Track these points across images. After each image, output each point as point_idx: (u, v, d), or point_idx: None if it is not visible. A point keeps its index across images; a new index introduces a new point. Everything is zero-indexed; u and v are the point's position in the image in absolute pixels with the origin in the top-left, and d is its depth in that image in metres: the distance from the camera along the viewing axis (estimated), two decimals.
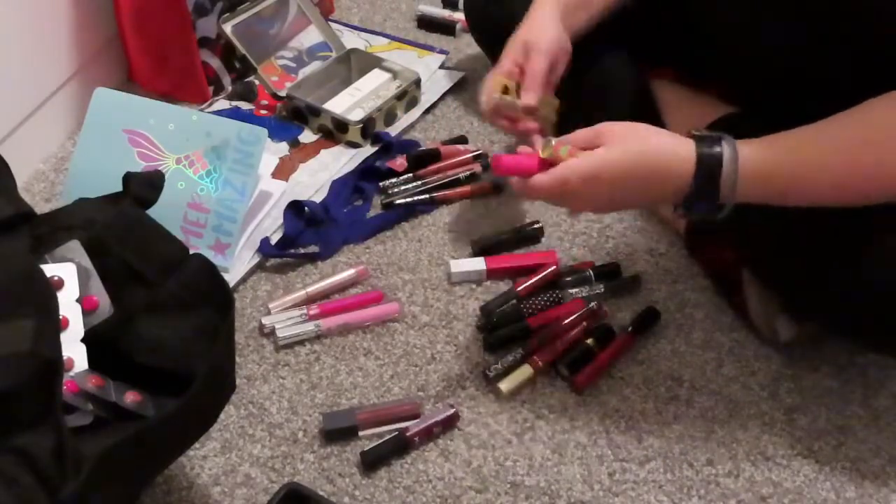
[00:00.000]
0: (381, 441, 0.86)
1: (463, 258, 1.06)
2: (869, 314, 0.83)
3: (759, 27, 0.92)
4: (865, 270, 0.81)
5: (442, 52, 1.43)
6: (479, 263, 1.04)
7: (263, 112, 1.32)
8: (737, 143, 0.79)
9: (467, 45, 1.43)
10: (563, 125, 1.14)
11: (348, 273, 1.03)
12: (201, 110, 1.28)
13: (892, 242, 0.80)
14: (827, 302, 0.86)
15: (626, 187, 0.81)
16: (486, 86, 1.04)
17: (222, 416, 0.84)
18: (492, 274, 1.04)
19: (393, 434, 0.87)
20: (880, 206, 0.78)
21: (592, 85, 1.17)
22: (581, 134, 0.83)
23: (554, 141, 0.82)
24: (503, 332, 0.97)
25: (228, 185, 1.05)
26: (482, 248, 1.08)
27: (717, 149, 0.78)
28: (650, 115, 1.12)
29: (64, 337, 0.72)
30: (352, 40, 1.45)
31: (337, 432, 0.87)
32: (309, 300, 1.01)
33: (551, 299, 1.00)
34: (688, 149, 0.79)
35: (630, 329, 0.97)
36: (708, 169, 0.78)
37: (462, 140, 1.26)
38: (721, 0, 0.96)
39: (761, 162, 0.78)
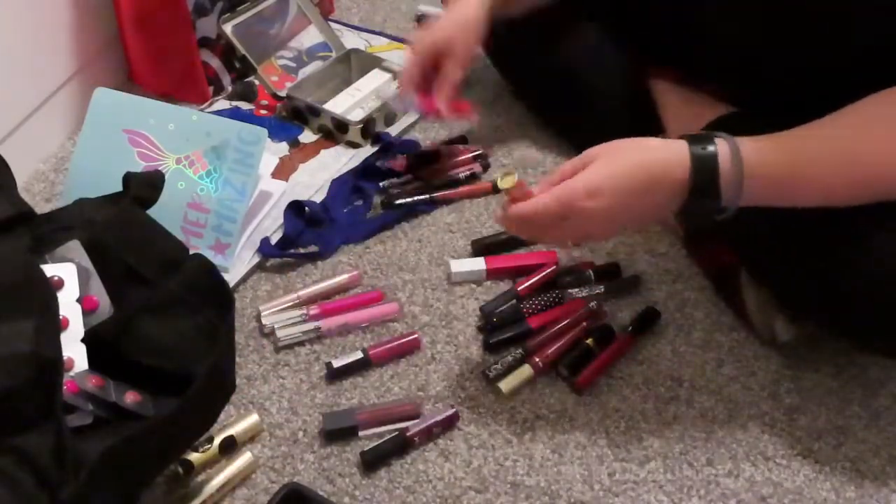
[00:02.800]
0: (381, 441, 0.86)
1: (463, 258, 1.06)
2: (865, 313, 0.83)
3: (752, 34, 0.92)
4: (861, 269, 0.81)
5: None
6: (479, 263, 1.04)
7: (263, 112, 1.32)
8: (738, 140, 0.78)
9: None
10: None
11: (341, 278, 1.03)
12: (201, 110, 1.28)
13: (887, 240, 0.80)
14: (824, 301, 0.85)
15: (630, 199, 0.79)
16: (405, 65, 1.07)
17: (222, 415, 0.84)
18: (492, 274, 1.04)
19: (393, 434, 0.87)
20: (876, 205, 0.79)
21: (590, 85, 1.18)
22: (567, 165, 0.82)
23: (517, 176, 0.82)
24: (503, 332, 0.97)
25: (228, 185, 1.05)
26: (482, 248, 1.08)
27: (711, 147, 0.78)
28: (648, 115, 1.12)
29: (64, 337, 0.72)
30: (352, 40, 1.45)
31: (337, 432, 0.87)
32: (301, 303, 1.00)
33: (551, 299, 1.00)
34: (682, 150, 0.78)
35: (630, 329, 0.97)
36: (704, 167, 0.77)
37: (462, 140, 1.26)
38: (711, 11, 0.97)
39: (768, 156, 0.77)
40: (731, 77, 1.02)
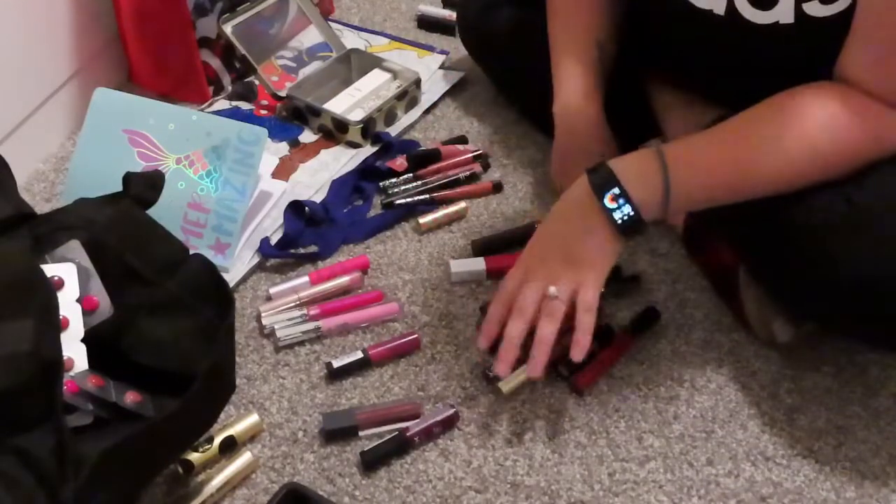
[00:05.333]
0: (381, 441, 0.86)
1: (463, 258, 1.06)
2: (862, 308, 0.83)
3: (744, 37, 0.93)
4: (857, 263, 0.81)
5: (442, 52, 1.43)
6: (478, 263, 1.04)
7: (263, 112, 1.32)
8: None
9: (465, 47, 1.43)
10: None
11: (342, 280, 1.03)
12: (201, 110, 1.28)
13: (881, 237, 0.80)
14: (821, 296, 0.85)
15: (555, 233, 0.88)
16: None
17: (222, 415, 0.84)
18: (492, 273, 1.04)
19: (393, 434, 0.87)
20: (872, 201, 0.80)
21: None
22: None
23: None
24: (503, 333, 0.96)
25: (228, 185, 1.05)
26: (482, 248, 1.08)
27: (603, 168, 0.85)
28: (647, 116, 1.12)
29: (64, 337, 0.72)
30: (352, 40, 1.45)
31: (337, 432, 0.87)
32: (301, 304, 1.00)
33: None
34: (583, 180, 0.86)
35: (630, 329, 0.97)
36: (601, 173, 0.84)
37: (462, 140, 1.26)
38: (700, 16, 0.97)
39: (685, 145, 0.86)
40: (723, 80, 1.02)
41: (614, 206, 0.83)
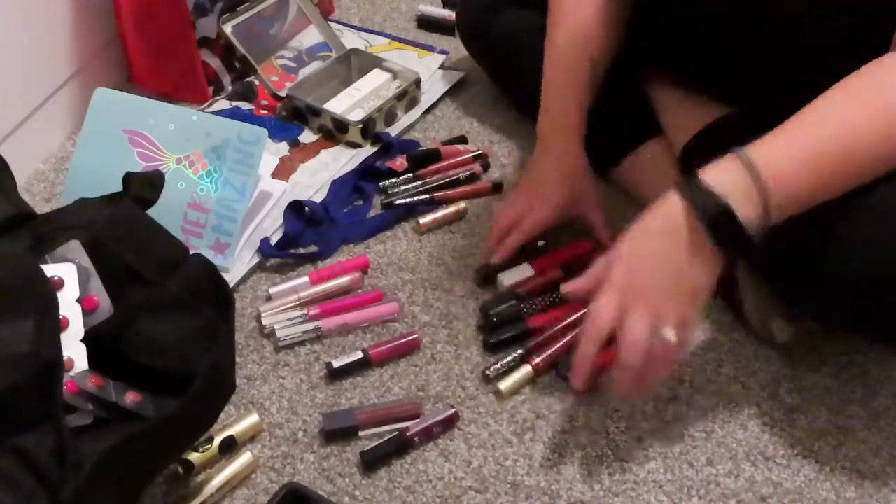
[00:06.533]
0: (381, 441, 0.86)
1: (510, 269, 1.03)
2: (860, 300, 0.83)
3: (744, 34, 0.93)
4: (852, 257, 0.80)
5: (442, 52, 1.43)
6: (526, 270, 1.03)
7: (263, 112, 1.32)
8: (749, 155, 0.74)
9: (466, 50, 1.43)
10: None
11: (342, 280, 1.03)
12: (201, 110, 1.28)
13: (878, 228, 0.80)
14: (818, 292, 0.85)
15: (653, 255, 0.76)
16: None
17: (222, 415, 0.84)
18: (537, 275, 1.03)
19: (393, 434, 0.87)
20: (877, 195, 0.79)
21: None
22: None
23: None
24: (503, 332, 0.97)
25: (228, 185, 1.05)
26: (485, 277, 1.04)
27: (698, 183, 0.74)
28: (647, 116, 1.12)
29: (64, 337, 0.72)
30: (352, 40, 1.45)
31: (337, 432, 0.87)
32: (301, 304, 1.00)
33: (551, 300, 0.99)
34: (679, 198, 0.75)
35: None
36: (700, 192, 0.74)
37: (462, 140, 1.26)
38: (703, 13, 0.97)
39: (776, 156, 0.75)
40: (726, 77, 1.02)
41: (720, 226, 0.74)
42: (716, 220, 0.73)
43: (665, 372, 0.78)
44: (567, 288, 0.81)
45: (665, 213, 0.76)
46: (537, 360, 0.93)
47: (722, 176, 0.74)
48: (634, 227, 0.77)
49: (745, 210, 0.73)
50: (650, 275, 0.75)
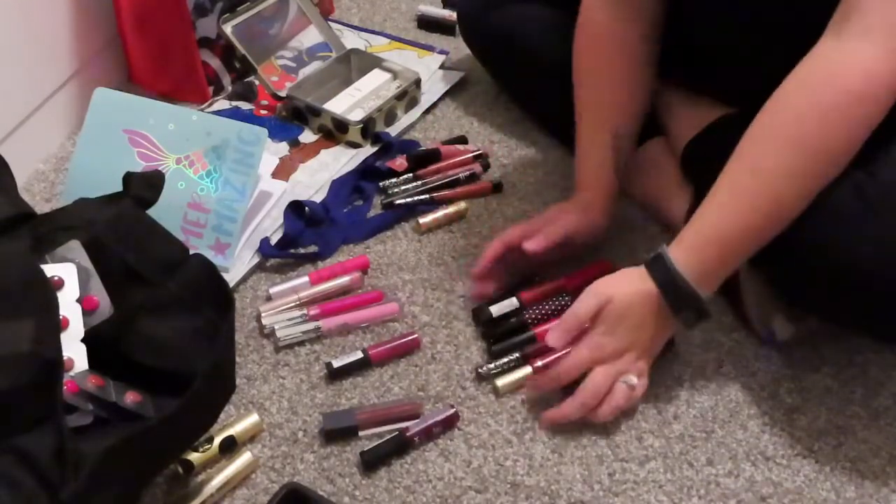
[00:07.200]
0: (381, 441, 0.86)
1: (498, 302, 1.00)
2: (866, 298, 0.83)
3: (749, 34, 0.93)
4: (862, 253, 0.81)
5: (442, 52, 1.43)
6: (513, 303, 0.99)
7: (263, 112, 1.32)
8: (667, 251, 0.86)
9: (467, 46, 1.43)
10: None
11: (343, 280, 1.03)
12: (201, 110, 1.28)
13: (878, 224, 0.80)
14: (818, 287, 0.85)
15: (626, 319, 0.87)
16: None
17: (222, 415, 0.84)
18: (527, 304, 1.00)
19: (393, 434, 0.87)
20: (881, 190, 0.80)
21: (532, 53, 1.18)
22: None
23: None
24: (507, 341, 0.96)
25: (228, 185, 1.05)
26: (484, 320, 1.00)
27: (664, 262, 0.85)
28: (648, 116, 1.12)
29: (64, 337, 0.72)
30: (352, 40, 1.45)
31: (337, 432, 0.87)
32: (301, 304, 1.00)
33: (555, 307, 0.98)
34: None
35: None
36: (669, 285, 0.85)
37: (462, 140, 1.26)
38: (715, 23, 0.98)
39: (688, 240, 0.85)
40: (729, 84, 1.02)
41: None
42: (676, 296, 0.85)
43: (610, 413, 0.87)
44: (551, 342, 0.89)
45: (639, 287, 0.86)
46: (539, 363, 0.93)
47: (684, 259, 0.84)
48: (616, 289, 0.87)
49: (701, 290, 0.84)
50: (624, 339, 0.87)
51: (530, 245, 0.97)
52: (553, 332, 0.88)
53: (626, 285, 0.87)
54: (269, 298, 1.02)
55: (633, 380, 0.87)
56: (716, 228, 0.84)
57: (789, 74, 0.82)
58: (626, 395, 0.87)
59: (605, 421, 0.88)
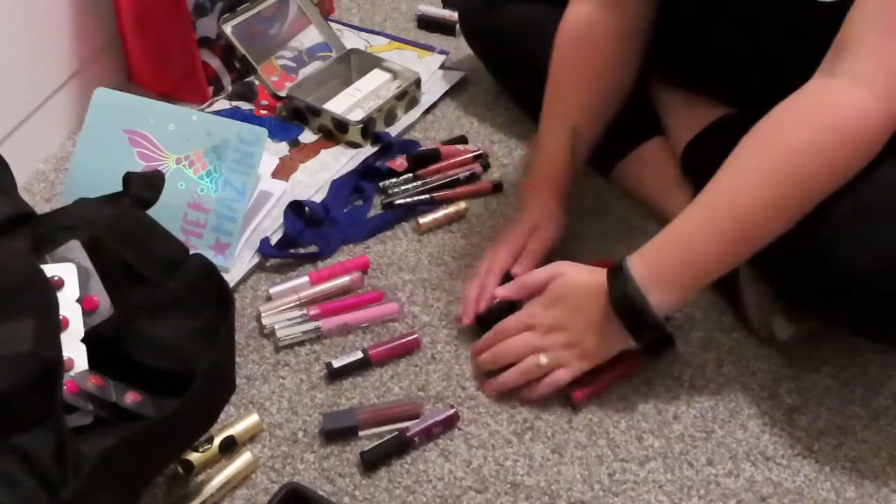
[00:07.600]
0: (381, 441, 0.86)
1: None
2: (865, 302, 0.83)
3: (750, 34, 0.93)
4: (862, 256, 0.81)
5: (442, 52, 1.43)
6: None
7: (263, 112, 1.32)
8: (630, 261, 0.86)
9: (467, 46, 1.43)
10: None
11: (343, 280, 1.03)
12: (201, 110, 1.28)
13: (879, 227, 0.80)
14: (819, 289, 0.85)
15: (575, 313, 0.89)
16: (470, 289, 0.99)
17: (222, 415, 0.84)
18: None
19: (393, 434, 0.87)
20: (879, 193, 0.80)
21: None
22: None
23: None
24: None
25: (228, 185, 1.05)
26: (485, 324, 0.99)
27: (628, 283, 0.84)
28: (648, 116, 1.12)
29: (64, 337, 0.72)
30: (352, 40, 1.45)
31: (337, 432, 0.87)
32: (301, 304, 1.00)
33: None
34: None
35: (642, 352, 0.92)
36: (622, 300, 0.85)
37: (462, 140, 1.26)
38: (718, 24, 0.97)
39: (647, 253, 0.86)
40: (730, 83, 1.02)
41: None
42: (629, 312, 0.85)
43: (504, 382, 0.91)
44: (499, 292, 0.94)
45: (594, 278, 0.88)
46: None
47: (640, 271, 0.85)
48: (571, 270, 0.91)
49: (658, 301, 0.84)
50: (558, 316, 0.89)
51: (519, 270, 0.98)
52: (505, 285, 0.94)
53: (583, 272, 0.90)
54: (269, 298, 1.02)
55: (544, 360, 0.88)
56: (679, 233, 0.85)
57: (780, 104, 0.82)
58: (527, 372, 0.89)
59: (496, 392, 0.91)
